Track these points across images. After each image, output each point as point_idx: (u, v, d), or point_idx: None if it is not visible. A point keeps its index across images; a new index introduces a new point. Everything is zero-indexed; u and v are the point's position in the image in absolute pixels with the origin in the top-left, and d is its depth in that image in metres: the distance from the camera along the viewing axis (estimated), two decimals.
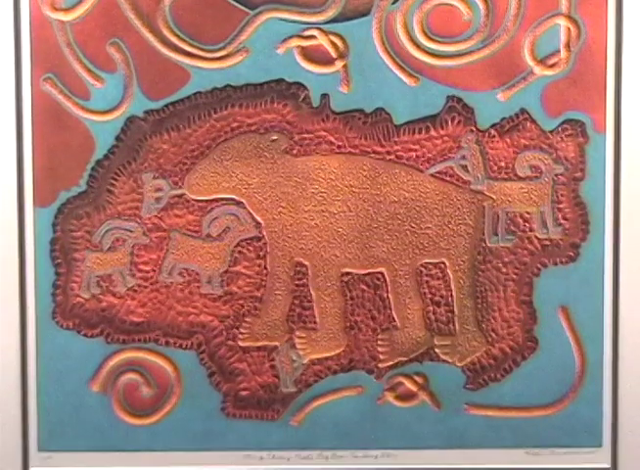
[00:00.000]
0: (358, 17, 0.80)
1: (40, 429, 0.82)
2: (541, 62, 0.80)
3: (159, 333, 0.82)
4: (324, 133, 0.81)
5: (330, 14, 0.80)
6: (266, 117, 0.81)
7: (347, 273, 0.82)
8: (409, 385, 0.82)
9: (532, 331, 0.82)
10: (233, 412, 0.83)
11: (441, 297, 0.82)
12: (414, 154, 0.81)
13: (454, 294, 0.82)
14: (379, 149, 0.81)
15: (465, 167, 0.81)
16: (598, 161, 0.81)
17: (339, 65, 0.80)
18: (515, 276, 0.82)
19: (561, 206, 0.81)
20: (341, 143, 0.81)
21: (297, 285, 0.82)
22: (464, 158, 0.81)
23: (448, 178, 0.81)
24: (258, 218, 0.81)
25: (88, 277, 0.82)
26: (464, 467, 0.83)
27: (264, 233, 0.81)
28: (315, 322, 0.82)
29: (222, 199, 0.81)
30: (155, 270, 0.82)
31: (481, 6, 0.80)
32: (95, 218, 0.81)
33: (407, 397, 0.83)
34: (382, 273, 0.82)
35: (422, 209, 0.81)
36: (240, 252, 0.82)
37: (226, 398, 0.83)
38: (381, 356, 0.82)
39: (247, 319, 0.82)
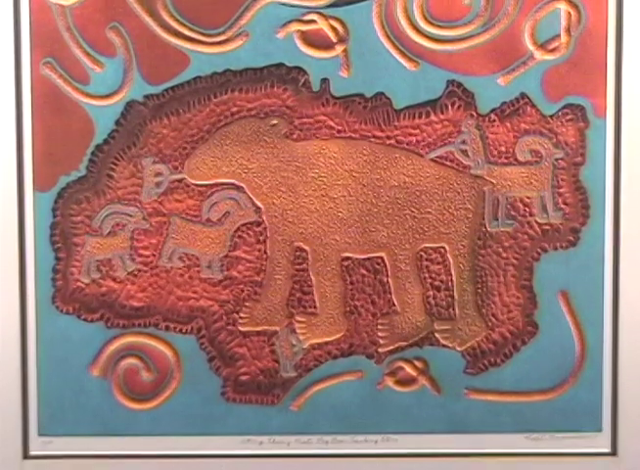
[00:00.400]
0: (358, 1, 0.80)
1: (40, 414, 0.82)
2: (542, 46, 0.80)
3: (158, 318, 0.82)
4: (324, 118, 0.81)
5: None
6: (266, 101, 0.80)
7: (347, 258, 0.82)
8: (409, 369, 0.82)
9: (532, 316, 0.82)
10: (233, 397, 0.83)
11: (441, 281, 0.82)
12: (414, 138, 0.81)
13: (454, 278, 0.82)
14: (379, 133, 0.81)
15: (465, 152, 0.81)
16: (598, 145, 0.81)
17: (339, 49, 0.80)
18: (515, 261, 0.82)
19: (561, 190, 0.81)
20: (341, 127, 0.81)
21: (296, 270, 0.82)
22: (464, 142, 0.81)
23: (448, 163, 0.81)
24: (258, 203, 0.81)
25: (88, 262, 0.82)
26: (464, 452, 0.83)
27: (264, 218, 0.81)
28: (315, 307, 0.82)
29: (222, 183, 0.81)
30: (155, 255, 0.82)
31: None
32: (95, 203, 0.81)
33: (407, 381, 0.83)
34: (382, 258, 0.82)
35: (422, 193, 0.81)
36: (240, 236, 0.82)
37: (226, 382, 0.83)
38: (381, 341, 0.82)
39: (247, 304, 0.82)
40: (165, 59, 0.80)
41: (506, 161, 0.81)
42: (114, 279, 0.82)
